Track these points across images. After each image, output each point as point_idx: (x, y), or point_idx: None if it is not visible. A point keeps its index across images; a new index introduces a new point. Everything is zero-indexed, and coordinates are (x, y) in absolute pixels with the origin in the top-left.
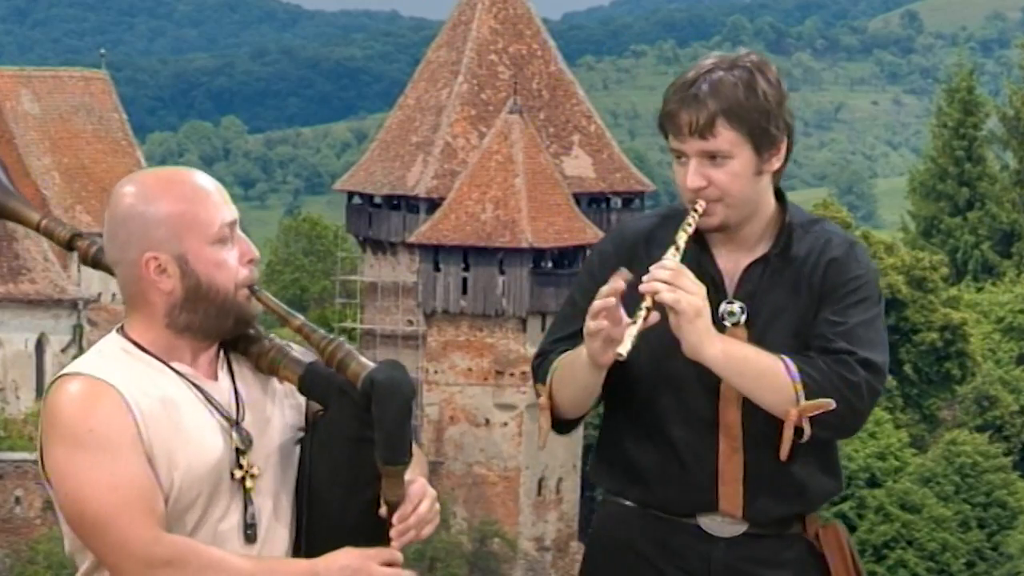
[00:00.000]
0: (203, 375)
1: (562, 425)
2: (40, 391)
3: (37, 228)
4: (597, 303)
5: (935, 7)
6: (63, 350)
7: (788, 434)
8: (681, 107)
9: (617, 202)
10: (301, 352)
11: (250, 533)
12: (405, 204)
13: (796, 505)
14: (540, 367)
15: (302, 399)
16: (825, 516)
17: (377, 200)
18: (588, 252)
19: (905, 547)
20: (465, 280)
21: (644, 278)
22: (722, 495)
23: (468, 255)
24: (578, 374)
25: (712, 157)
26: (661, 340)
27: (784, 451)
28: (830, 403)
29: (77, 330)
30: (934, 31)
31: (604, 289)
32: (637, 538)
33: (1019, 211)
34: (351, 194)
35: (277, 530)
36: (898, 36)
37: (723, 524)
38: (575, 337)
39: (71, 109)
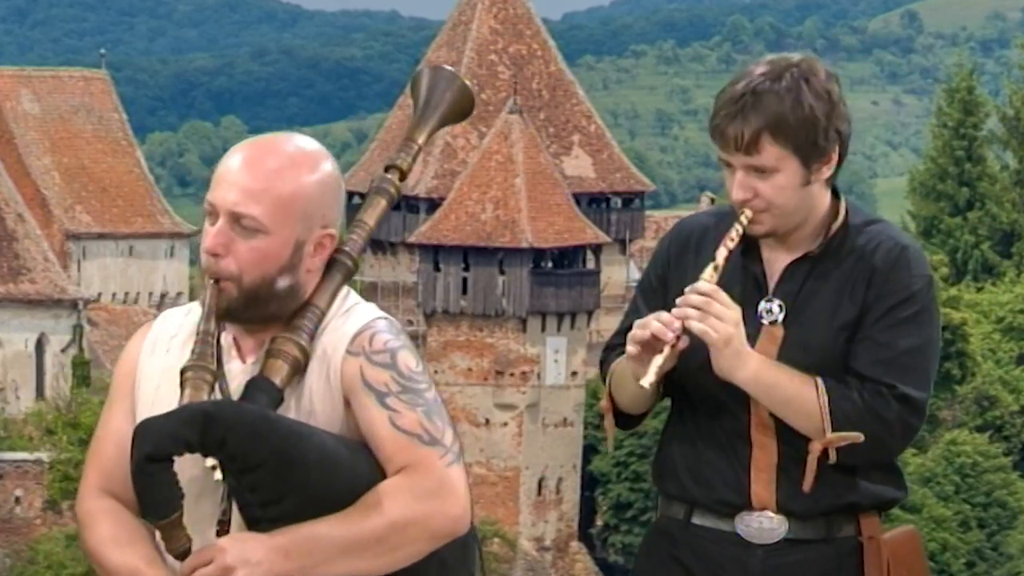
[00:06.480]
0: (238, 352)
1: (627, 420)
2: (40, 391)
3: None
4: (635, 331)
5: (935, 7)
6: (63, 350)
7: (812, 466)
8: (727, 123)
9: (617, 202)
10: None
11: (219, 529)
12: (405, 204)
13: (833, 498)
14: (603, 366)
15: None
16: (893, 522)
17: None
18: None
19: None
20: (465, 280)
21: (678, 301)
22: (754, 482)
23: (468, 255)
24: (627, 383)
25: (759, 170)
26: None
27: (807, 483)
28: (858, 437)
29: (77, 330)
30: (934, 31)
31: (639, 323)
32: (680, 551)
33: (1019, 211)
34: (351, 194)
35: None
36: (898, 36)
37: (761, 526)
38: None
39: (71, 109)
